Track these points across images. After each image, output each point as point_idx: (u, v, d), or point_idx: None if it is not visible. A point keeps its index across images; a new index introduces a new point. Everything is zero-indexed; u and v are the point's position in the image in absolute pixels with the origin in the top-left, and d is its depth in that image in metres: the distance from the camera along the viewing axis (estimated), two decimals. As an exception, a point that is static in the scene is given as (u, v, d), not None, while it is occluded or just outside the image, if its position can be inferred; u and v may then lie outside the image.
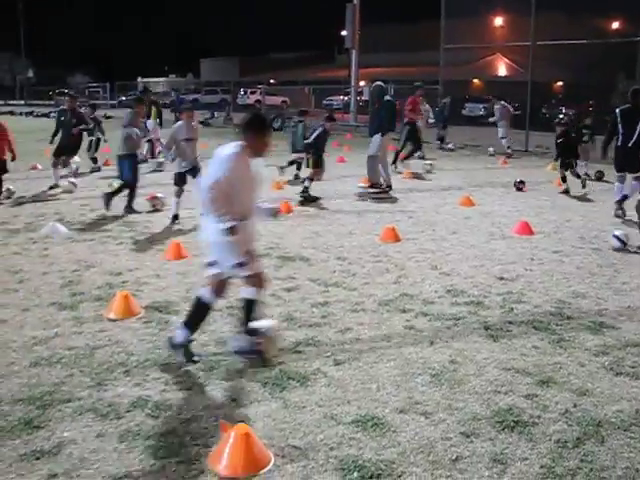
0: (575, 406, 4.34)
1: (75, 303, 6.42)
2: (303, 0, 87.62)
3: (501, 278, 7.37)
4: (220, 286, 5.04)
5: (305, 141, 13.39)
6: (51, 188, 13.33)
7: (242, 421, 3.96)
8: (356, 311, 6.20)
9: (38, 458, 3.75)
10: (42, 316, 6.07)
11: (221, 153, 4.88)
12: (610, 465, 3.66)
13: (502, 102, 21.74)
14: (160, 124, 19.48)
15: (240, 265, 4.84)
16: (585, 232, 9.79)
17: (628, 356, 5.19)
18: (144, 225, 10.06)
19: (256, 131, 4.92)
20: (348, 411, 4.26)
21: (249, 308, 5.12)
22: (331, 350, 5.26)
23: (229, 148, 4.89)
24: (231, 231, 4.64)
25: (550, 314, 6.16)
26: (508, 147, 21.03)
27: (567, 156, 13.65)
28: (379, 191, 13.05)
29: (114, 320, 5.93)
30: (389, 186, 13.21)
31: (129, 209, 11.04)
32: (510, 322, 5.94)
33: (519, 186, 13.91)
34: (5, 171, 12.40)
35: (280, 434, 3.98)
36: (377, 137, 13.32)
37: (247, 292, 5.13)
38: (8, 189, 12.58)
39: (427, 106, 21.28)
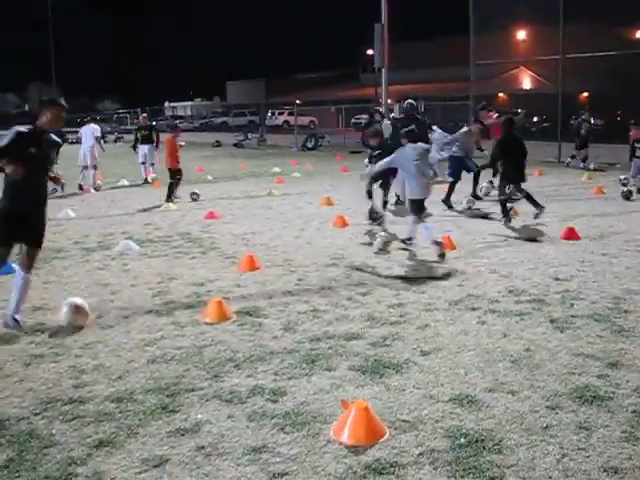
0: (645, 383, 4.90)
1: (170, 310, 7.07)
2: (325, 20, 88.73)
3: (556, 279, 7.92)
4: None
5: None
6: None
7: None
8: (430, 310, 6.80)
9: (183, 434, 4.35)
10: (143, 322, 6.71)
11: None
12: (684, 429, 4.22)
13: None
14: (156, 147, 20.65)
15: None
16: (629, 236, 10.32)
17: (687, 341, 5.74)
18: (210, 241, 10.72)
19: None
20: (444, 392, 4.84)
21: None
22: (416, 343, 5.85)
23: None
24: None
25: (608, 308, 6.71)
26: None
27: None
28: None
29: (211, 324, 6.56)
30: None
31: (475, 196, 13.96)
32: (572, 316, 6.49)
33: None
34: (180, 176, 15.50)
35: (388, 411, 4.56)
36: None
37: None
38: (195, 192, 15.79)
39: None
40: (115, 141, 48.84)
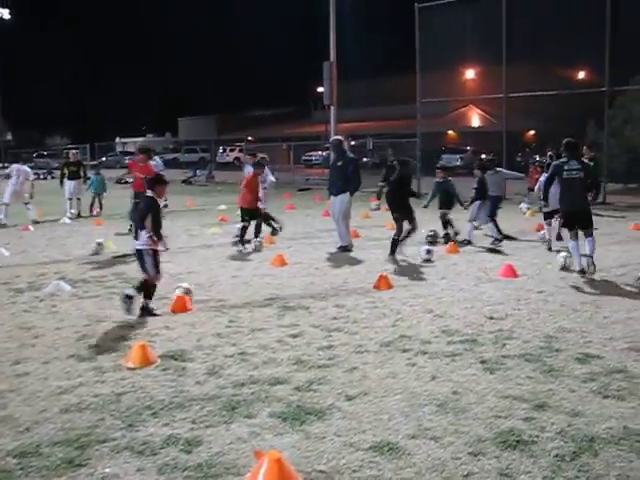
0: (569, 426, 4.79)
1: (93, 355, 6.78)
2: (278, 57, 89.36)
3: (491, 318, 7.86)
4: None
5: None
6: None
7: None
8: (360, 352, 6.64)
9: (86, 491, 4.11)
10: (63, 367, 6.41)
11: None
12: (604, 474, 4.11)
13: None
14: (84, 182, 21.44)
15: None
16: (565, 273, 10.36)
17: (613, 381, 5.68)
18: (145, 281, 10.44)
19: None
20: (365, 439, 4.67)
21: None
22: (342, 387, 5.68)
23: None
24: None
25: (540, 348, 6.65)
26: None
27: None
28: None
29: (133, 369, 6.30)
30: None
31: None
32: (504, 356, 6.41)
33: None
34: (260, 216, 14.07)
35: (305, 461, 4.37)
36: (347, 197, 13.05)
37: None
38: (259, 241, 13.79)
39: None
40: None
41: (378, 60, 63.92)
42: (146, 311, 8.26)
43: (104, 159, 57.23)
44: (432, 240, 13.43)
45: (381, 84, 60.41)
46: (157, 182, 8.61)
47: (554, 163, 11.03)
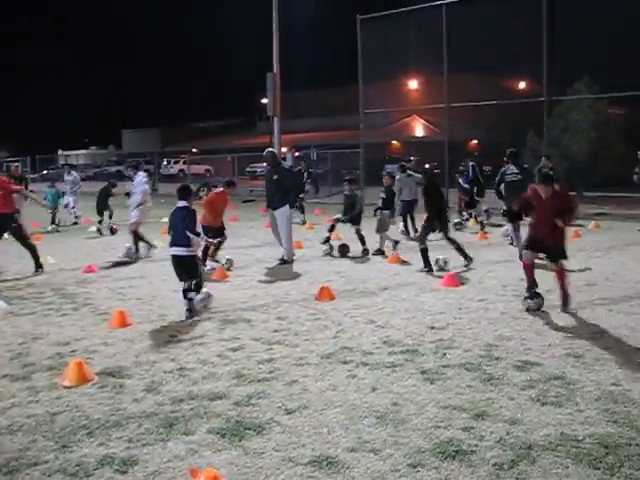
0: (508, 434, 4.82)
1: (27, 374, 6.58)
2: (222, 68, 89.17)
3: (432, 327, 7.89)
4: None
5: None
6: None
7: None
8: (300, 365, 6.59)
9: (15, 517, 3.96)
10: (-5, 389, 6.22)
11: None
12: (541, 481, 4.14)
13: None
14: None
15: None
16: (506, 280, 10.48)
17: (552, 388, 5.74)
18: (85, 296, 10.23)
19: None
20: (304, 453, 4.62)
21: None
22: (281, 401, 5.62)
23: None
24: None
25: (480, 356, 6.70)
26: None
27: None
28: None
29: (69, 387, 6.13)
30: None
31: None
32: (444, 366, 6.43)
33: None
34: (224, 236, 12.84)
35: (243, 478, 4.30)
36: (287, 209, 12.95)
37: None
38: (229, 260, 12.62)
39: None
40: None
41: (324, 71, 64.35)
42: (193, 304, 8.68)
43: (45, 172, 56.14)
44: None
45: (327, 95, 60.77)
46: (190, 193, 9.65)
47: (500, 170, 13.40)
